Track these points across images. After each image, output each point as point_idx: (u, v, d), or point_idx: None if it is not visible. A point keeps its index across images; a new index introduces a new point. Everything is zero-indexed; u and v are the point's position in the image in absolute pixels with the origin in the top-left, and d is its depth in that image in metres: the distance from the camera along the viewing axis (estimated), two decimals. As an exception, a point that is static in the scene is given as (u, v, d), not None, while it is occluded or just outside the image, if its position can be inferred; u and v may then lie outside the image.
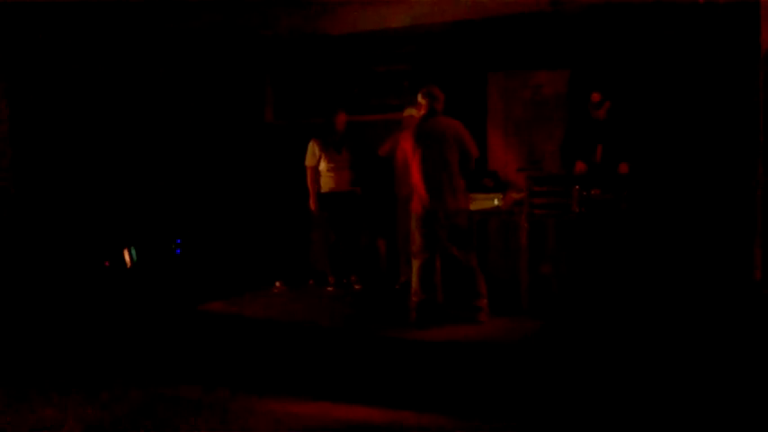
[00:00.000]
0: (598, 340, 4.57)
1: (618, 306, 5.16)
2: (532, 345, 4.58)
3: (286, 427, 3.65)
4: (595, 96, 5.67)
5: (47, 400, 4.07)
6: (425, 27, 6.79)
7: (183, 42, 7.54)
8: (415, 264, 5.20)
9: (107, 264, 7.11)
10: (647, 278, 5.39)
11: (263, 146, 7.73)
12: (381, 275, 6.97)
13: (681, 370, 4.07)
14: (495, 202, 6.04)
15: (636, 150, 5.60)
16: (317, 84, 7.59)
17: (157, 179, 7.71)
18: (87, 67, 7.41)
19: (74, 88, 7.36)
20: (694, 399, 3.71)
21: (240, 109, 7.81)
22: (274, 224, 7.48)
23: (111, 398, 4.11)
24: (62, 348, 5.16)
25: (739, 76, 5.32)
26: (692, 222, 5.65)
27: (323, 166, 6.50)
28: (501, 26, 6.51)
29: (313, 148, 6.50)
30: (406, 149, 5.24)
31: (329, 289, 6.55)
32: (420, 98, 5.23)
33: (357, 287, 6.56)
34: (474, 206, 6.03)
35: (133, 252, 7.26)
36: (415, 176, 5.14)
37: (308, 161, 6.52)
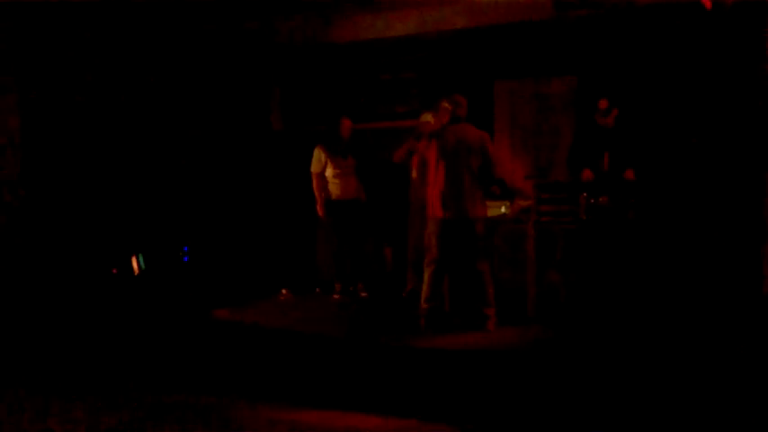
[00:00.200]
0: (605, 348, 4.53)
1: (625, 314, 5.12)
2: (540, 353, 4.55)
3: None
4: (603, 103, 5.65)
5: (55, 407, 4.08)
6: (432, 35, 6.79)
7: (190, 50, 7.58)
8: (428, 270, 5.18)
9: (114, 271, 7.13)
10: (655, 286, 5.36)
11: (270, 153, 7.74)
12: (388, 283, 6.96)
13: (688, 379, 4.03)
14: (503, 209, 6.02)
15: (643, 158, 5.58)
16: (324, 91, 7.61)
17: (165, 186, 7.73)
18: (95, 76, 7.45)
19: (82, 96, 7.39)
20: (702, 408, 3.67)
21: (247, 116, 7.83)
22: (281, 231, 7.48)
23: (118, 404, 4.12)
24: (70, 355, 5.17)
25: (748, 81, 5.29)
26: (700, 231, 5.61)
27: (329, 172, 6.51)
28: (507, 34, 6.50)
29: (319, 155, 6.51)
30: (429, 155, 5.20)
31: (335, 296, 6.55)
32: (445, 105, 5.23)
33: (363, 295, 6.54)
34: (481, 213, 6.04)
35: (141, 259, 7.27)
36: (437, 182, 5.11)
37: (314, 167, 6.53)
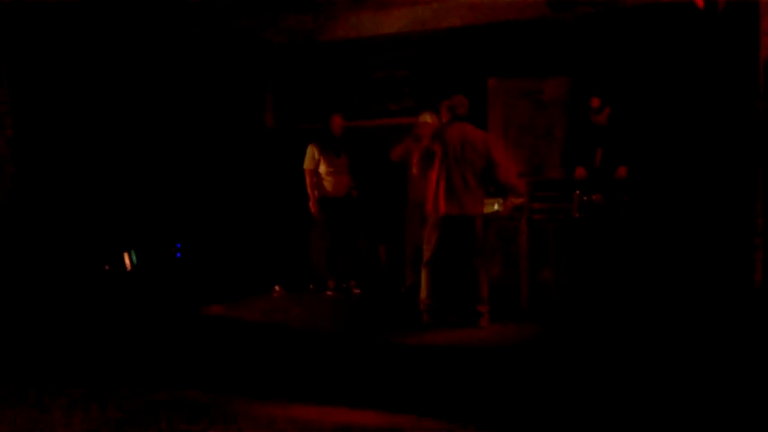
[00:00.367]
0: (598, 345, 4.57)
1: (618, 311, 5.16)
2: (532, 350, 4.57)
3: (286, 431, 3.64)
4: (595, 102, 5.69)
5: (47, 403, 4.07)
6: (426, 33, 6.81)
7: (184, 47, 7.56)
8: (428, 267, 5.19)
9: (107, 267, 7.11)
10: (648, 283, 5.40)
11: (263, 150, 7.74)
12: (381, 280, 6.98)
13: (680, 375, 4.06)
14: (496, 206, 6.04)
15: (636, 155, 5.61)
16: (318, 89, 7.60)
17: (158, 183, 7.72)
18: (88, 71, 7.42)
19: (74, 93, 7.37)
20: (694, 404, 3.71)
21: (241, 113, 7.82)
22: (274, 228, 7.48)
23: (111, 401, 4.10)
24: (62, 351, 5.15)
25: (739, 80, 5.33)
26: (692, 228, 5.66)
27: (322, 169, 6.52)
28: (501, 32, 6.53)
29: (312, 152, 6.53)
30: (432, 153, 5.17)
31: (329, 293, 6.56)
32: (446, 104, 5.24)
33: (356, 291, 6.56)
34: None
35: (133, 255, 7.26)
36: (440, 180, 5.12)
37: (307, 164, 6.54)
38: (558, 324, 5.16)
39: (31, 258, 6.81)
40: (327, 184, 6.53)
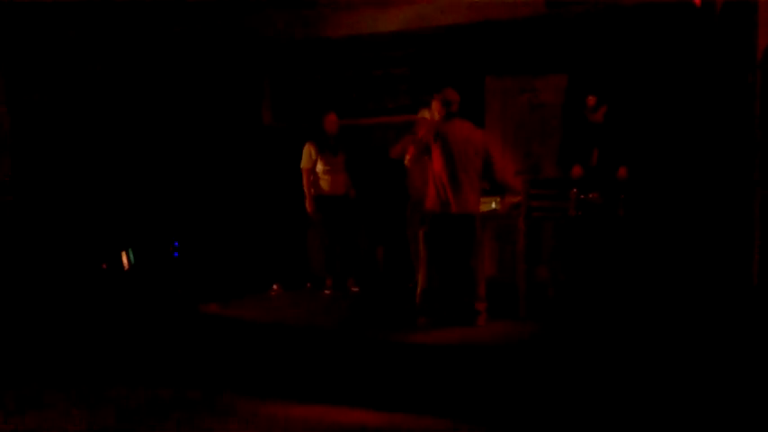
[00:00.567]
0: (595, 344, 4.58)
1: (615, 310, 5.17)
2: (529, 348, 4.58)
3: (284, 430, 3.65)
4: (591, 100, 5.70)
5: (44, 403, 4.07)
6: (423, 30, 6.81)
7: (181, 45, 7.55)
8: (426, 265, 5.17)
9: (104, 266, 7.11)
10: (645, 281, 5.41)
11: (260, 148, 7.73)
12: (379, 278, 6.99)
13: (678, 374, 4.08)
14: (493, 205, 6.05)
15: (632, 154, 5.62)
16: (315, 87, 7.60)
17: (155, 181, 7.71)
18: (85, 71, 7.41)
19: (71, 91, 7.36)
20: (691, 402, 3.72)
21: (238, 112, 7.82)
22: (272, 227, 7.48)
23: (108, 400, 4.11)
24: (60, 351, 5.15)
25: (736, 78, 5.34)
26: (690, 227, 5.67)
27: (318, 168, 6.52)
28: (499, 30, 6.54)
29: (309, 151, 6.52)
30: (432, 151, 5.14)
31: (326, 292, 6.56)
32: (437, 101, 5.22)
33: (354, 290, 6.57)
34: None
35: (131, 254, 7.26)
36: (440, 178, 5.10)
37: (304, 164, 6.54)
38: (556, 322, 5.17)
39: (28, 257, 6.80)
40: (325, 182, 6.53)
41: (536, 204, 5.53)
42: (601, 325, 4.98)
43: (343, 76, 7.50)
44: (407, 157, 5.29)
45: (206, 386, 4.33)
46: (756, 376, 3.91)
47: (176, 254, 7.50)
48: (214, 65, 7.72)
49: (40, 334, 5.55)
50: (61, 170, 7.21)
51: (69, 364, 4.84)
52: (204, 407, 3.99)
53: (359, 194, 6.73)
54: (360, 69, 7.43)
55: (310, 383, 4.34)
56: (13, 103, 6.89)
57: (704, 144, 5.69)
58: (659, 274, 5.53)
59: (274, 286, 6.78)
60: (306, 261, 7.25)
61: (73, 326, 5.67)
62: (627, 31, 6.09)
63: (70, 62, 7.29)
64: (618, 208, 5.35)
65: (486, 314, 5.17)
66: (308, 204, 6.56)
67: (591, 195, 5.41)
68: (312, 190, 6.55)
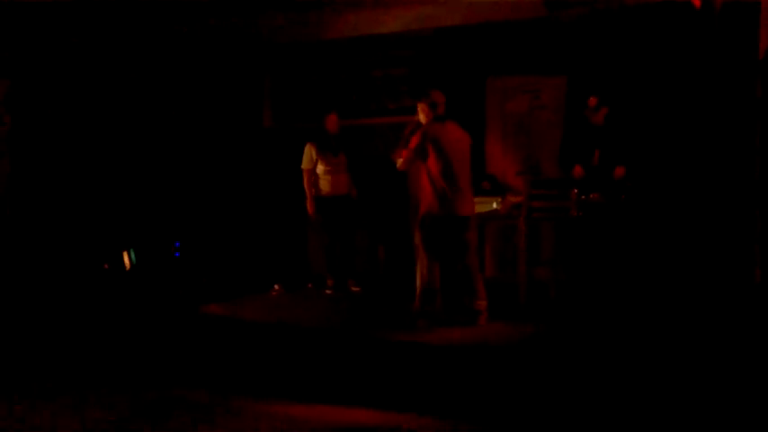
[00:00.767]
0: (597, 344, 4.58)
1: (618, 309, 5.18)
2: (530, 348, 4.59)
3: (286, 429, 3.66)
4: (592, 101, 5.70)
5: (45, 403, 4.07)
6: (423, 32, 6.82)
7: (182, 46, 7.57)
8: (425, 267, 5.16)
9: (106, 266, 7.12)
10: (647, 281, 5.42)
11: (261, 149, 7.75)
12: (380, 279, 6.99)
13: (680, 374, 4.08)
14: (494, 205, 6.07)
15: (634, 154, 5.63)
16: (316, 88, 7.61)
17: (156, 182, 7.72)
18: (86, 71, 7.43)
19: (72, 91, 7.37)
20: (693, 402, 3.73)
21: (238, 113, 7.83)
22: (273, 227, 7.49)
23: (110, 401, 4.11)
24: (61, 351, 5.16)
25: (737, 78, 5.36)
26: (691, 227, 5.68)
27: (320, 169, 6.53)
28: (499, 31, 6.54)
29: (309, 152, 6.53)
30: (428, 154, 5.10)
31: (327, 292, 6.57)
32: (423, 105, 5.20)
33: (355, 290, 6.57)
34: (472, 209, 6.07)
35: (132, 255, 7.27)
36: (437, 180, 5.09)
37: (305, 164, 6.55)
38: (557, 322, 5.17)
39: (30, 258, 6.81)
40: (326, 183, 6.54)
41: (537, 205, 5.54)
42: (602, 325, 4.99)
43: (343, 78, 7.51)
44: (400, 161, 5.25)
45: (206, 386, 4.34)
46: (759, 373, 3.92)
47: (178, 254, 7.51)
48: (215, 66, 7.74)
49: (41, 334, 5.56)
50: (63, 171, 7.23)
51: (70, 365, 4.84)
52: (205, 407, 4.00)
53: (360, 194, 6.74)
54: (360, 70, 7.44)
55: (311, 383, 4.35)
56: (16, 104, 6.90)
57: (706, 144, 5.69)
58: (661, 274, 5.53)
59: (275, 286, 6.79)
60: (307, 261, 7.26)
61: (74, 326, 5.69)
62: (627, 31, 6.10)
63: (72, 63, 7.30)
64: (619, 208, 5.36)
65: (487, 313, 5.17)
66: (308, 205, 6.57)
67: (592, 196, 5.42)
68: (313, 190, 6.56)
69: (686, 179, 5.78)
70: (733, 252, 5.30)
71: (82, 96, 7.44)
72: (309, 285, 6.91)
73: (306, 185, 6.55)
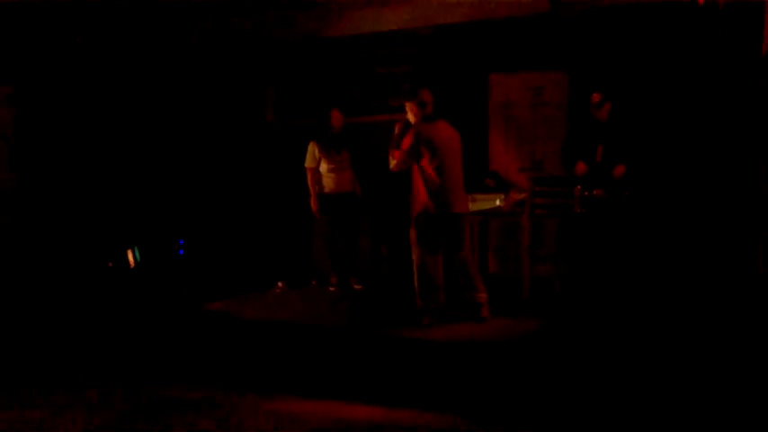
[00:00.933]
0: (600, 340, 4.58)
1: (621, 306, 5.18)
2: (534, 344, 4.59)
3: (290, 428, 3.66)
4: (595, 97, 5.69)
5: (47, 400, 4.09)
6: (426, 29, 6.82)
7: (186, 44, 7.58)
8: (423, 262, 5.17)
9: (110, 264, 7.14)
10: (650, 277, 5.42)
11: (264, 147, 7.76)
12: (383, 276, 7.00)
13: (685, 367, 4.08)
14: (497, 202, 6.07)
15: (637, 150, 5.62)
16: (319, 85, 7.62)
17: (160, 180, 7.74)
18: (89, 70, 7.44)
19: (76, 90, 7.39)
20: (698, 396, 3.73)
21: (242, 110, 7.84)
22: (276, 225, 7.50)
23: (114, 398, 4.13)
24: (65, 348, 5.18)
25: (740, 74, 5.35)
26: (695, 222, 5.67)
27: (323, 167, 6.53)
28: (502, 28, 6.53)
29: (313, 150, 6.53)
30: (421, 153, 5.10)
31: (331, 289, 6.58)
32: (412, 104, 5.19)
33: (357, 287, 6.58)
34: (476, 206, 6.08)
35: (136, 252, 7.29)
36: (433, 178, 5.08)
37: (308, 163, 6.55)
38: (561, 318, 5.17)
39: (34, 256, 6.83)
40: (330, 180, 6.54)
41: (540, 201, 5.54)
42: (607, 320, 4.98)
43: (346, 75, 7.51)
44: (393, 163, 5.22)
45: (211, 383, 4.35)
46: (763, 363, 3.92)
47: (182, 252, 7.53)
48: (219, 64, 7.75)
49: (45, 332, 5.58)
50: (67, 169, 7.24)
51: (74, 362, 4.86)
52: (209, 404, 4.01)
53: (363, 191, 6.74)
54: (363, 68, 7.44)
55: (316, 380, 4.35)
56: (19, 101, 6.92)
57: (709, 139, 5.68)
58: (665, 269, 5.53)
59: (279, 284, 6.80)
60: (310, 259, 7.27)
61: (79, 323, 5.70)
62: (630, 28, 6.09)
63: (75, 62, 7.32)
64: (622, 204, 5.35)
65: (488, 305, 5.17)
66: (312, 203, 6.57)
67: (595, 192, 5.41)
68: (317, 188, 6.56)
69: (690, 174, 5.77)
70: (737, 244, 5.30)
71: (86, 95, 7.45)
72: (313, 282, 6.92)
73: (309, 184, 6.55)
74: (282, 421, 3.72)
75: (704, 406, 3.63)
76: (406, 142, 5.13)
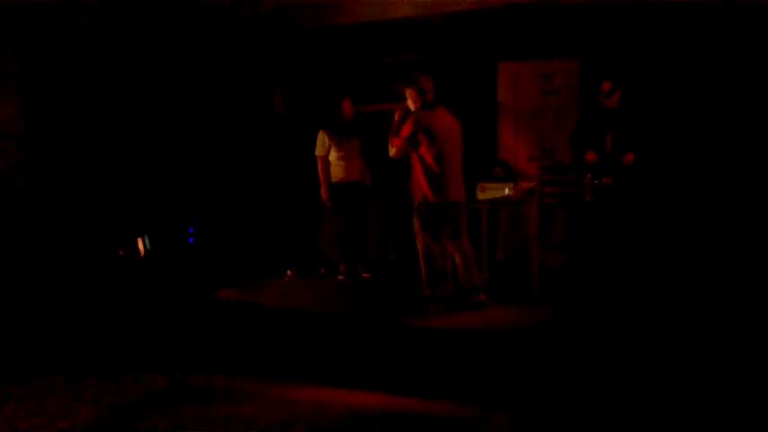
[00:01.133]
0: (609, 329, 4.59)
1: (629, 296, 5.17)
2: (542, 334, 4.60)
3: (300, 413, 3.69)
4: (606, 85, 5.66)
5: (59, 388, 4.13)
6: (435, 16, 6.78)
7: (194, 33, 7.57)
8: (429, 250, 5.16)
9: (121, 252, 7.19)
10: (659, 267, 5.40)
11: (273, 136, 7.76)
12: (390, 264, 7.01)
13: (691, 360, 4.08)
14: (506, 191, 6.06)
15: (647, 139, 5.59)
16: (327, 74, 7.60)
17: (170, 169, 7.77)
18: (99, 60, 7.46)
19: (87, 79, 7.41)
20: (704, 389, 3.73)
21: (251, 99, 7.84)
22: (286, 213, 7.51)
23: (124, 385, 4.16)
24: (76, 336, 5.22)
25: (753, 65, 5.30)
26: (704, 213, 5.65)
27: (333, 155, 6.53)
28: (511, 14, 6.49)
29: (323, 138, 6.53)
30: (420, 141, 5.10)
31: (340, 278, 6.59)
32: (412, 90, 5.17)
33: (365, 276, 6.59)
34: (484, 195, 6.07)
35: (147, 241, 7.32)
36: (431, 166, 5.07)
37: (318, 151, 6.55)
38: (571, 307, 5.17)
39: (45, 244, 6.88)
40: (340, 169, 6.54)
41: (549, 190, 5.52)
42: (615, 310, 4.98)
43: (355, 64, 7.49)
44: (392, 150, 5.21)
45: (221, 370, 4.39)
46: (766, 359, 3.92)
47: (192, 240, 7.56)
48: (227, 54, 7.74)
49: (57, 320, 5.63)
50: (78, 158, 7.28)
51: (86, 350, 4.91)
52: (220, 391, 4.04)
53: (374, 183, 6.74)
54: (371, 56, 7.42)
55: (325, 367, 4.38)
56: (30, 90, 6.94)
57: (719, 131, 5.65)
58: (672, 260, 5.52)
59: (288, 272, 6.83)
60: (319, 247, 7.29)
61: (88, 311, 5.75)
62: (641, 15, 6.03)
63: (86, 51, 7.33)
64: (632, 193, 5.33)
65: (484, 289, 5.21)
66: (323, 192, 6.57)
67: (605, 181, 5.39)
68: (327, 177, 6.56)
69: (699, 165, 5.74)
70: (744, 239, 5.28)
71: (96, 86, 7.47)
72: (321, 271, 6.94)
73: (320, 172, 6.55)
74: (292, 407, 3.75)
75: (709, 398, 3.63)
76: (406, 130, 5.13)
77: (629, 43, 6.11)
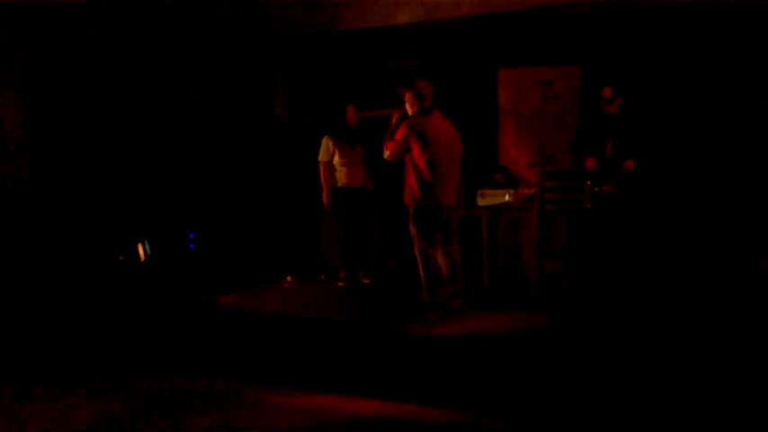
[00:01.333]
0: (607, 336, 4.58)
1: (628, 302, 5.17)
2: (541, 340, 4.59)
3: (298, 420, 3.68)
4: (607, 92, 5.67)
5: (60, 392, 4.13)
6: (436, 23, 6.80)
7: (196, 38, 7.59)
8: (426, 256, 5.17)
9: (121, 258, 7.19)
10: (658, 273, 5.40)
11: (274, 141, 7.77)
12: (391, 271, 7.01)
13: (689, 365, 4.07)
14: (506, 197, 6.06)
15: (647, 146, 5.60)
16: (329, 79, 7.62)
17: (171, 174, 7.77)
18: (99, 65, 7.46)
19: (87, 85, 7.41)
20: (703, 393, 3.72)
21: (252, 105, 7.86)
22: (286, 219, 7.52)
23: (123, 390, 4.15)
24: (76, 341, 5.22)
25: (752, 72, 5.30)
26: (703, 219, 5.65)
27: (336, 161, 6.54)
28: (513, 21, 6.51)
29: (327, 144, 6.54)
30: (413, 145, 5.11)
31: (340, 284, 6.59)
32: (409, 95, 5.18)
33: (366, 281, 6.59)
34: (485, 202, 6.08)
35: (147, 246, 7.33)
36: (423, 172, 5.09)
37: (322, 156, 6.56)
38: (570, 314, 5.17)
39: (46, 249, 6.88)
40: (342, 175, 6.55)
41: (550, 197, 5.53)
42: (615, 316, 4.98)
43: (356, 69, 7.50)
44: (387, 153, 5.21)
45: (220, 376, 4.38)
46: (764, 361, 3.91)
47: (192, 245, 7.57)
48: (228, 59, 7.76)
49: (56, 325, 5.62)
50: (78, 163, 7.28)
51: (84, 356, 4.90)
52: (219, 397, 4.03)
53: (375, 187, 6.75)
54: (373, 62, 7.43)
55: (324, 374, 4.37)
56: (31, 93, 6.95)
57: (718, 136, 5.65)
58: (671, 266, 5.51)
59: (288, 278, 6.83)
60: (319, 253, 7.29)
61: (88, 316, 5.75)
62: (641, 22, 6.05)
63: (86, 56, 7.34)
64: (632, 200, 5.33)
65: (463, 298, 5.21)
66: (325, 197, 6.58)
67: (605, 187, 5.39)
68: (330, 182, 6.57)
69: (698, 171, 5.74)
70: (741, 243, 5.28)
71: (96, 90, 7.48)
72: (322, 277, 6.94)
73: (322, 177, 6.55)
74: (291, 414, 3.74)
75: (708, 406, 3.62)
76: (400, 133, 5.13)
77: (630, 50, 6.13)
